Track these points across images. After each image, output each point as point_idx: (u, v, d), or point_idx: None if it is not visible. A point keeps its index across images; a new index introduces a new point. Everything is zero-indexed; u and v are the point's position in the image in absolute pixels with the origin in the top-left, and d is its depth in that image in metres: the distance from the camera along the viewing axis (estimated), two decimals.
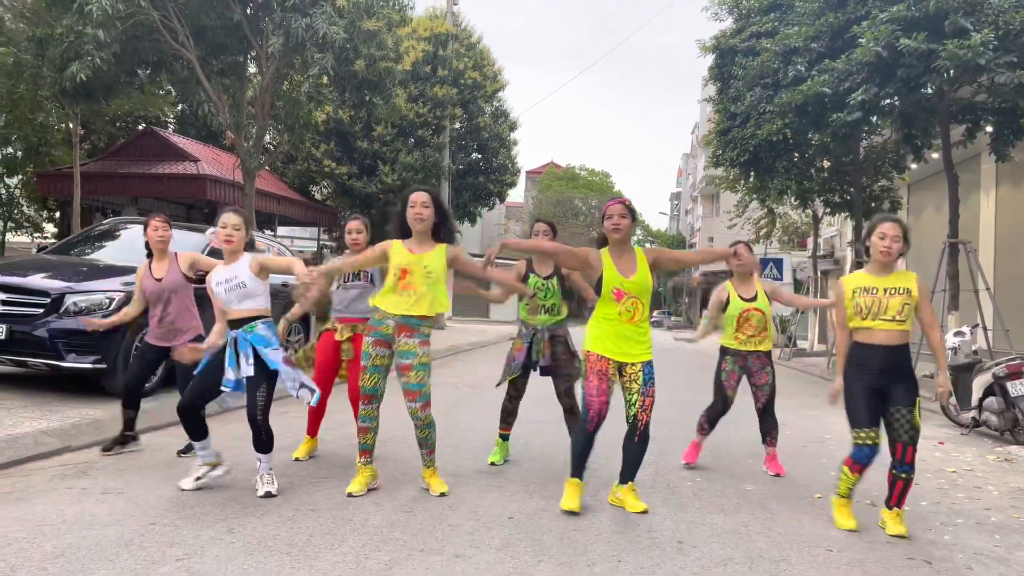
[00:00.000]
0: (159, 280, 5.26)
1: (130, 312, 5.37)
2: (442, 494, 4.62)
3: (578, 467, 4.46)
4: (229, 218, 4.59)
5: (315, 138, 21.53)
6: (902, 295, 4.19)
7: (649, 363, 4.46)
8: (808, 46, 13.36)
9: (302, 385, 4.56)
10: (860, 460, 4.27)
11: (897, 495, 4.30)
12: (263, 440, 4.57)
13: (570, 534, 4.02)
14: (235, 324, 4.52)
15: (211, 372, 4.54)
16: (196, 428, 4.58)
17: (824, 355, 19.16)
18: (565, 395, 5.47)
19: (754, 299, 5.63)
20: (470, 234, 40.14)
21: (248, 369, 4.45)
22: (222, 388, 4.52)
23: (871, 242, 4.31)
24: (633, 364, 4.42)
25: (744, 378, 5.71)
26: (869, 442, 4.23)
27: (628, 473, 4.56)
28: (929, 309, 4.35)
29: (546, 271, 5.40)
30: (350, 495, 4.46)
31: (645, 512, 4.45)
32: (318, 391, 4.68)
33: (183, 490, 4.43)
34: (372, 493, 4.60)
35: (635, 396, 4.41)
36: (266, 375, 4.51)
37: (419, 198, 4.54)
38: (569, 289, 5.44)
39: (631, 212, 4.52)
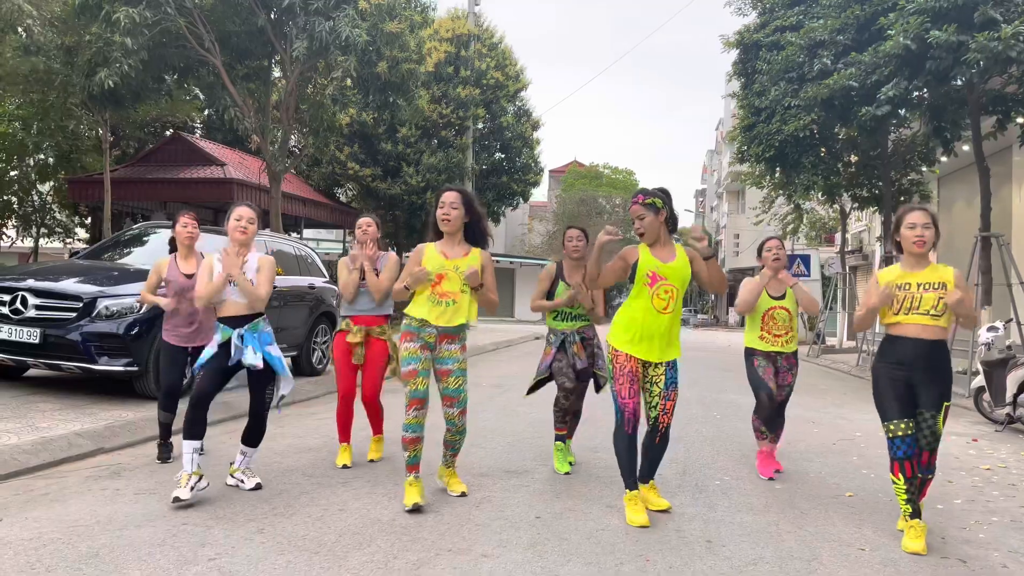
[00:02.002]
0: (190, 277, 5.26)
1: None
2: (462, 494, 4.61)
3: (630, 477, 4.31)
4: (244, 211, 4.60)
5: (339, 141, 21.66)
6: (937, 290, 4.02)
7: (674, 363, 4.37)
8: (834, 39, 13.19)
9: (283, 389, 4.71)
10: (897, 455, 4.02)
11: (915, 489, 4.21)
12: (260, 434, 4.68)
13: (598, 533, 4.01)
14: (233, 322, 4.48)
15: (220, 367, 4.47)
16: (201, 423, 4.44)
17: (853, 352, 18.92)
18: (578, 397, 5.43)
19: (782, 297, 5.49)
20: (493, 234, 40.15)
21: (257, 360, 4.45)
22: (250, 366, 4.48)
23: (901, 235, 4.14)
24: (658, 365, 4.33)
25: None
26: (900, 433, 4.03)
27: (648, 472, 4.50)
28: (970, 297, 4.13)
29: (575, 278, 5.36)
30: (417, 506, 4.22)
31: (668, 510, 4.42)
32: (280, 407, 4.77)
33: (182, 500, 4.18)
34: (399, 494, 4.62)
35: (656, 399, 4.32)
36: (271, 372, 4.58)
37: (448, 198, 4.41)
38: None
39: (650, 207, 4.28)
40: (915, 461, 4.05)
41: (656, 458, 4.48)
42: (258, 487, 4.59)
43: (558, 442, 5.50)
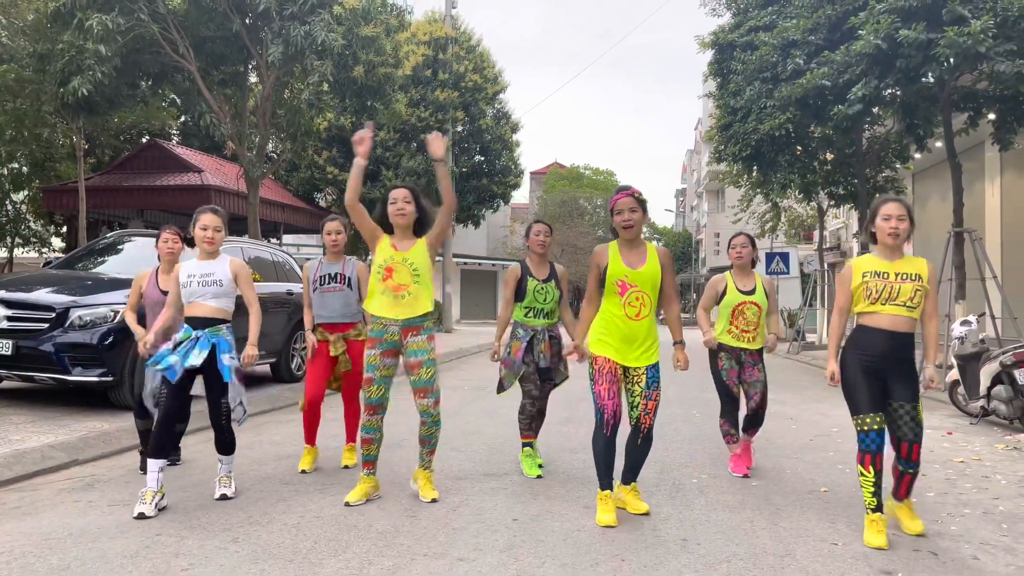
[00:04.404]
0: (165, 293, 5.21)
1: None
2: (433, 500, 4.56)
3: (605, 476, 4.30)
4: (209, 219, 4.55)
5: (317, 145, 21.58)
6: (914, 281, 4.04)
7: (654, 366, 4.35)
8: (806, 39, 13.32)
9: (239, 403, 4.60)
10: (867, 448, 4.04)
11: (905, 488, 4.22)
12: (227, 442, 4.65)
13: (574, 535, 4.02)
14: (199, 324, 4.46)
15: (180, 377, 4.45)
16: (169, 442, 4.43)
17: None
18: (543, 396, 5.45)
19: (752, 292, 5.45)
20: (475, 236, 40.16)
21: (196, 360, 4.37)
22: (156, 367, 4.43)
23: (876, 226, 4.13)
24: (637, 368, 4.32)
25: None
26: (876, 427, 4.04)
27: (630, 474, 4.48)
28: (934, 297, 4.18)
29: (543, 274, 5.36)
30: (347, 504, 4.44)
31: (647, 514, 4.40)
32: (245, 416, 4.70)
33: (147, 516, 4.16)
34: (379, 499, 4.61)
35: (637, 399, 4.31)
36: (224, 382, 4.51)
37: (400, 195, 4.53)
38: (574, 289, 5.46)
39: (641, 204, 4.29)
40: (883, 455, 4.07)
41: (638, 461, 4.45)
42: (223, 498, 4.53)
43: (526, 448, 5.48)
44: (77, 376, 6.62)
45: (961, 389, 8.72)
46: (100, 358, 6.66)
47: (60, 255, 19.24)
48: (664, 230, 67.58)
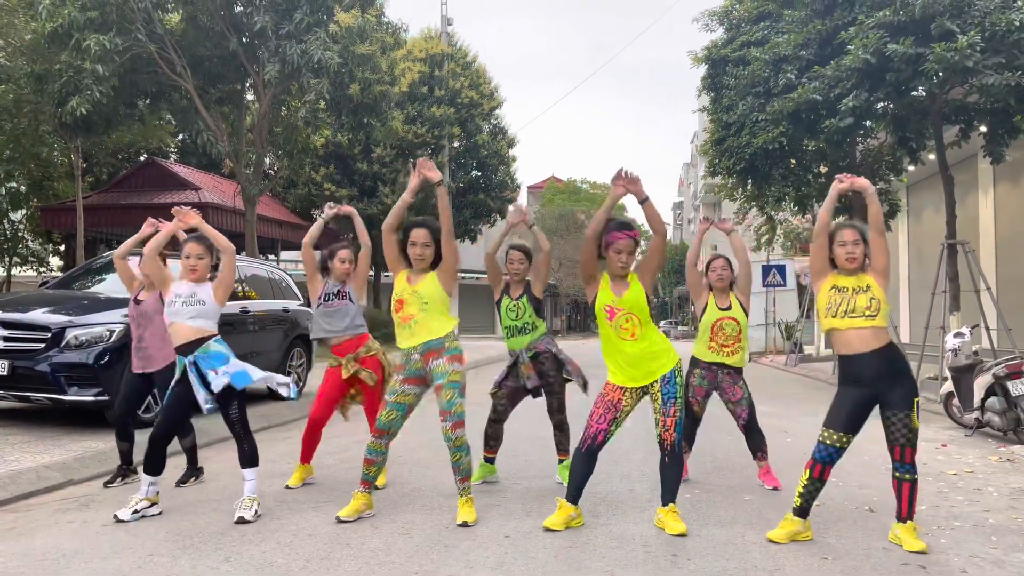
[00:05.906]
0: (139, 303, 5.30)
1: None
2: (464, 523, 4.45)
3: (571, 490, 4.46)
4: (192, 248, 4.70)
5: (315, 162, 21.65)
6: (866, 292, 4.24)
7: (669, 376, 4.38)
8: (797, 54, 13.42)
9: (278, 383, 4.73)
10: (819, 457, 4.25)
11: (906, 502, 4.23)
12: (246, 452, 4.63)
13: (565, 551, 4.04)
14: (184, 350, 4.57)
15: (179, 402, 4.60)
16: (159, 462, 4.60)
17: (829, 360, 19.08)
18: (557, 411, 5.51)
19: (729, 308, 5.58)
20: (472, 252, 40.21)
21: (207, 403, 4.50)
22: (204, 409, 4.55)
23: (834, 252, 4.34)
24: (654, 383, 4.40)
25: (715, 394, 5.60)
26: (831, 442, 4.24)
27: (667, 495, 4.47)
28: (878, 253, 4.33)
29: (517, 292, 5.47)
30: (339, 520, 4.47)
31: (683, 535, 4.32)
32: (295, 387, 4.78)
33: (121, 520, 4.42)
34: (372, 517, 4.63)
35: (657, 416, 4.40)
36: (231, 391, 4.57)
37: (420, 237, 4.55)
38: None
39: (636, 243, 4.48)
40: (829, 469, 4.29)
41: (670, 479, 4.46)
42: (241, 521, 4.46)
43: (482, 461, 5.63)
44: (73, 396, 6.65)
45: (956, 401, 8.74)
46: (96, 378, 6.69)
47: (58, 274, 19.28)
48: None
